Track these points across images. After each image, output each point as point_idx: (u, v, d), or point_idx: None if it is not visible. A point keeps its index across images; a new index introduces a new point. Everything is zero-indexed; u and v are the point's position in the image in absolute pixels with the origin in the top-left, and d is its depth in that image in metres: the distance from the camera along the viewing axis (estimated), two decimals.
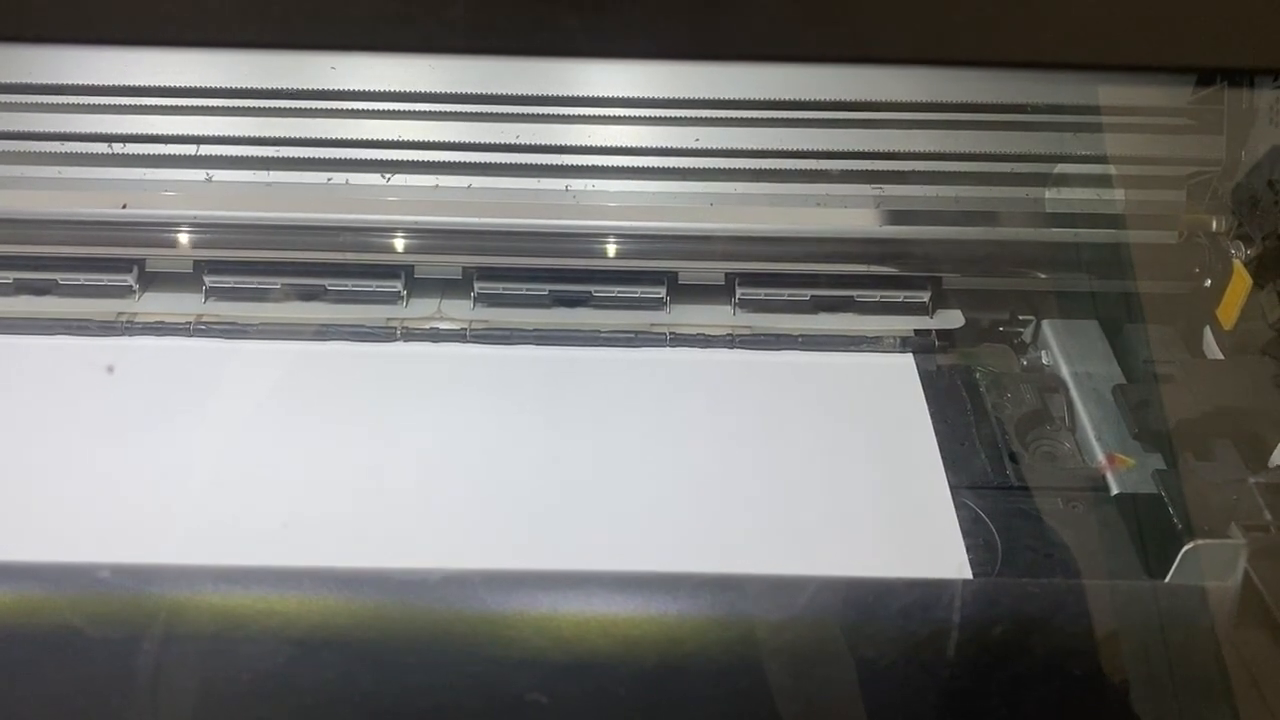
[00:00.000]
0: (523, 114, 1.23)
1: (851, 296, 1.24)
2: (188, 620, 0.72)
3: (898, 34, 0.54)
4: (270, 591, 0.74)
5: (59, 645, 0.70)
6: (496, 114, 1.23)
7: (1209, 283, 1.21)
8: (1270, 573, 0.73)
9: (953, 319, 1.23)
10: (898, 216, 1.23)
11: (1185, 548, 0.83)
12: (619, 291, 1.23)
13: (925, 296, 1.23)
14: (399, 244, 1.22)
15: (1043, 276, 1.25)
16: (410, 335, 1.20)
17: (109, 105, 1.23)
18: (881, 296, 1.24)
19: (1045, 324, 1.26)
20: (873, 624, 0.75)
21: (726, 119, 1.24)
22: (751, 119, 1.24)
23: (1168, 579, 0.82)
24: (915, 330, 1.22)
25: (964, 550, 0.94)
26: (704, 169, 1.23)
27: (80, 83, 1.22)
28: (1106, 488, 1.04)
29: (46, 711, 0.69)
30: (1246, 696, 0.71)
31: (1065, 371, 1.19)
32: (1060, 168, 1.23)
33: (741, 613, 0.74)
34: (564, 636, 0.71)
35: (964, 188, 1.23)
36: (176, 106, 1.22)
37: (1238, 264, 1.16)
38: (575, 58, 0.51)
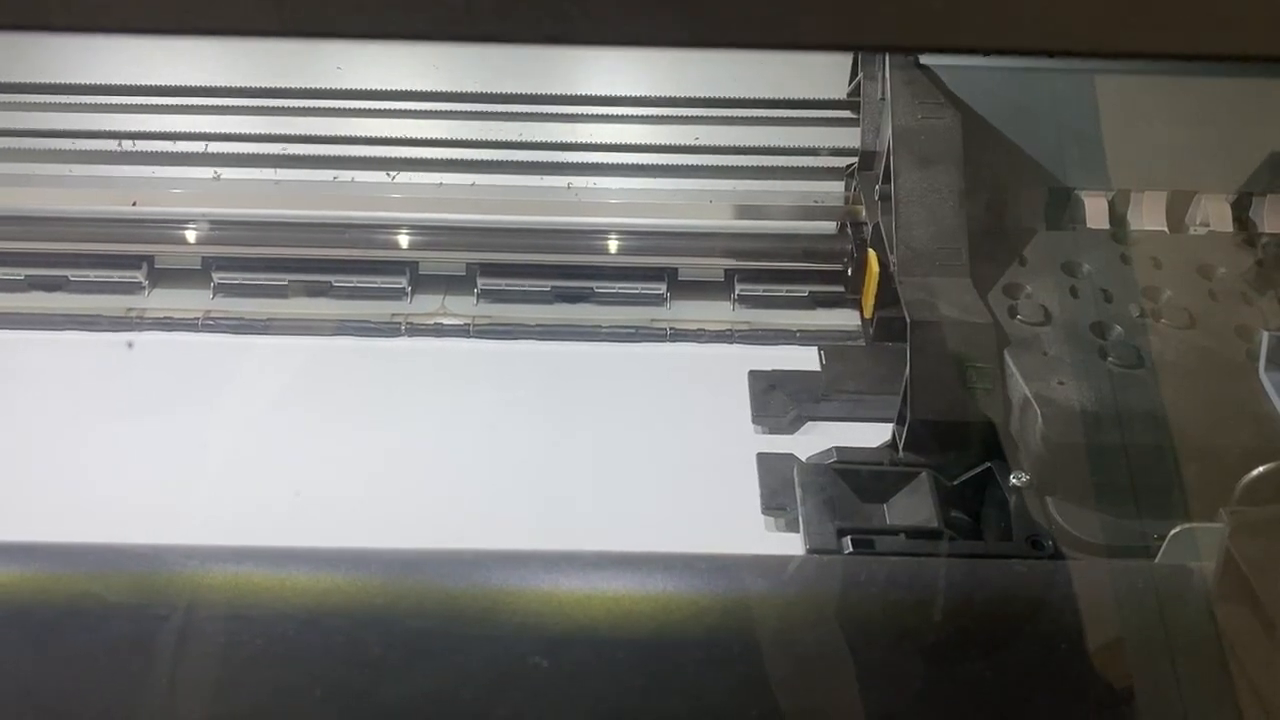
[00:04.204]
0: (525, 113, 1.25)
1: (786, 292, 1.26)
2: (204, 597, 0.75)
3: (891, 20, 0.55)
4: (283, 569, 0.76)
5: (86, 619, 0.73)
6: (499, 113, 1.25)
7: (850, 271, 1.23)
8: (1251, 551, 0.75)
9: None
10: None
11: (1173, 531, 0.84)
12: (620, 287, 1.25)
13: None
14: (404, 241, 1.24)
15: None
16: (414, 330, 1.22)
17: (119, 104, 1.25)
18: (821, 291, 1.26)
19: None
20: (858, 601, 0.77)
21: (726, 118, 1.27)
22: (751, 118, 1.26)
23: (1157, 560, 0.84)
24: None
25: None
26: (704, 166, 1.25)
27: (91, 81, 1.24)
28: None
29: (76, 679, 0.71)
30: (1229, 668, 0.73)
31: None
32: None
33: (729, 589, 0.77)
34: (564, 610, 0.74)
35: None
36: (185, 105, 1.25)
37: (872, 253, 1.17)
38: (578, 45, 0.52)
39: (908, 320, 1.00)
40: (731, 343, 1.21)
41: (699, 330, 1.22)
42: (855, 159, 1.24)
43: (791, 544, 0.95)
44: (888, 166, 1.11)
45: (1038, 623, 0.79)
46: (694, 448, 1.07)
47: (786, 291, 1.25)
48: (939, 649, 0.76)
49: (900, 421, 1.00)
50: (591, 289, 1.24)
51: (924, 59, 1.11)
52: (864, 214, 1.21)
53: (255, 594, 0.75)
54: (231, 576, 0.76)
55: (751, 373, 1.14)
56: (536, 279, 1.24)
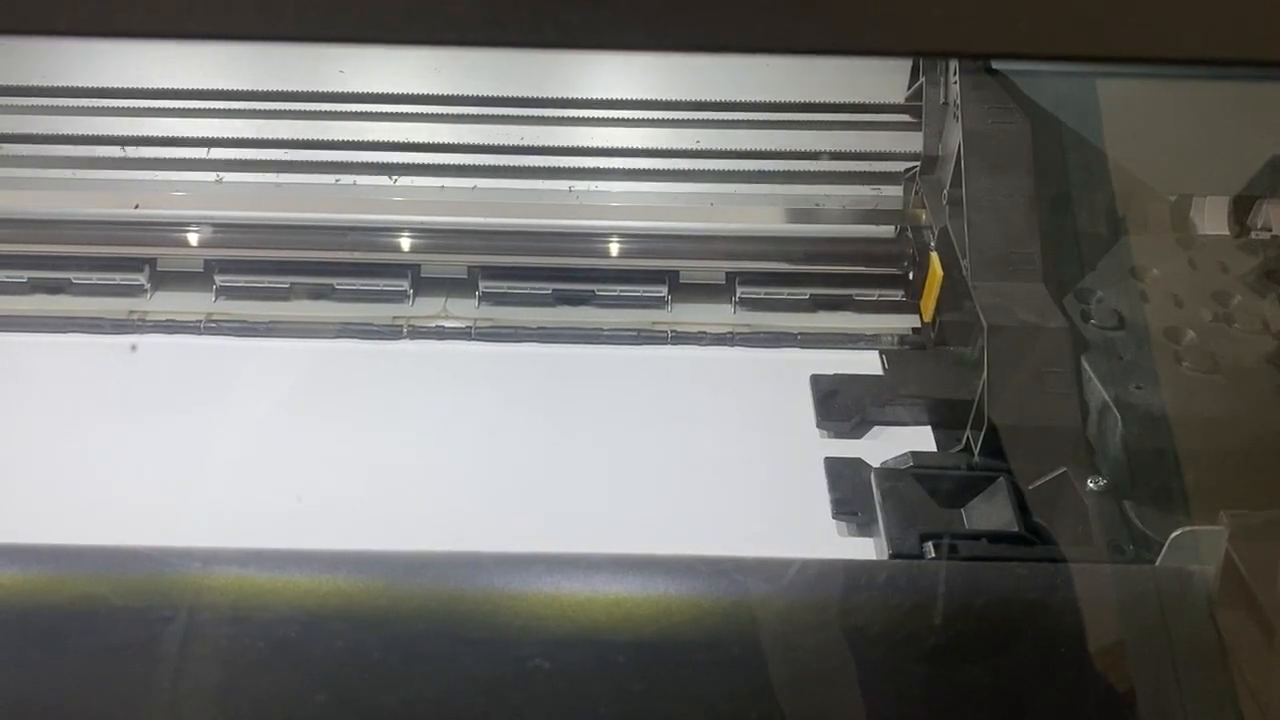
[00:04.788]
0: (526, 116, 1.26)
1: (850, 295, 1.26)
2: (207, 599, 0.75)
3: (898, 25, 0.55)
4: (285, 572, 0.76)
5: (89, 621, 0.73)
6: (501, 116, 1.26)
7: (912, 275, 1.23)
8: (1251, 554, 0.75)
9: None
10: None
11: (1174, 534, 0.84)
12: (621, 290, 1.25)
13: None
14: (405, 244, 1.24)
15: None
16: (416, 333, 1.22)
17: (122, 108, 1.25)
18: (879, 295, 1.26)
19: None
20: (856, 604, 0.77)
21: (727, 121, 1.27)
22: (752, 121, 1.27)
23: (1158, 563, 0.84)
24: (913, 328, 1.24)
25: None
26: (705, 170, 1.25)
27: (94, 85, 1.25)
28: None
29: (79, 681, 0.72)
30: (1230, 671, 0.73)
31: None
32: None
33: (730, 591, 0.77)
34: (566, 612, 0.74)
35: None
36: (188, 109, 1.25)
37: (934, 257, 1.17)
38: (578, 50, 0.53)
39: (984, 325, 1.00)
40: (732, 345, 1.21)
41: (700, 333, 1.22)
42: (916, 163, 1.25)
43: (864, 549, 0.96)
44: (957, 171, 1.12)
45: (1054, 624, 0.79)
46: (696, 449, 1.07)
47: (787, 294, 1.25)
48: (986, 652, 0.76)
49: (975, 426, 1.01)
50: (592, 291, 1.25)
51: (995, 63, 1.12)
52: (924, 218, 1.21)
53: (258, 596, 0.76)
54: (234, 579, 0.77)
55: (814, 377, 1.14)
56: (538, 281, 1.24)
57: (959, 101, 1.14)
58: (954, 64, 1.15)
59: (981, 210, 1.09)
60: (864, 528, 0.98)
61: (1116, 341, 1.03)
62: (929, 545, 0.91)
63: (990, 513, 0.95)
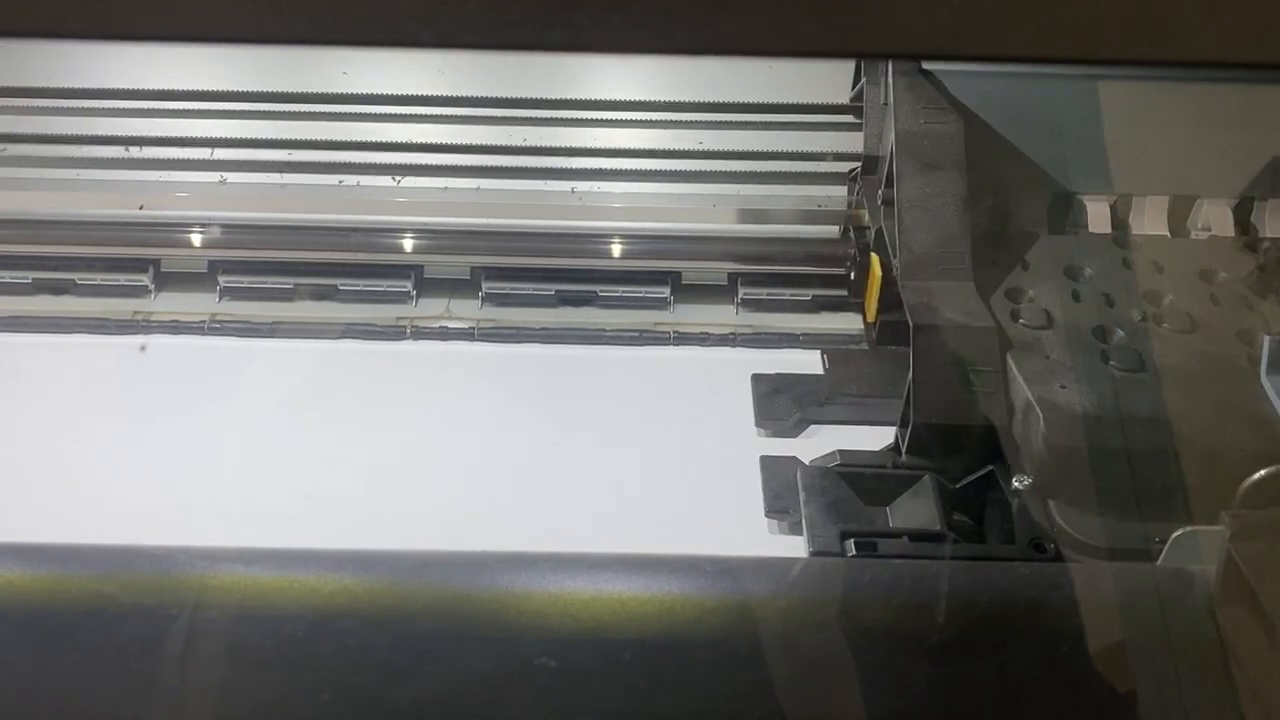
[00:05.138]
0: (530, 117, 1.26)
1: (848, 297, 1.26)
2: (213, 598, 0.75)
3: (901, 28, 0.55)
4: (291, 571, 0.77)
5: (97, 619, 0.74)
6: (504, 117, 1.26)
7: (853, 275, 1.23)
8: (1252, 554, 0.76)
9: None
10: None
11: (1175, 534, 0.85)
12: (623, 291, 1.25)
13: None
14: (408, 244, 1.24)
15: None
16: (419, 334, 1.22)
17: (126, 109, 1.26)
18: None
19: None
20: (861, 603, 0.77)
21: (729, 122, 1.27)
22: (754, 122, 1.27)
23: (1158, 563, 0.85)
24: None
25: None
26: (707, 171, 1.26)
27: (98, 86, 1.25)
28: None
29: (87, 679, 0.72)
30: (1230, 671, 0.74)
31: None
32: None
33: (734, 590, 0.77)
34: (571, 611, 0.75)
35: None
36: (191, 110, 1.25)
37: (874, 257, 1.17)
38: (586, 53, 0.53)
39: (911, 324, 1.00)
40: (735, 346, 1.22)
41: (703, 334, 1.22)
42: (858, 163, 1.24)
43: (795, 547, 0.96)
44: (890, 171, 1.12)
45: (1039, 625, 0.80)
46: (697, 451, 1.08)
47: (790, 295, 1.25)
48: (941, 651, 0.77)
49: (903, 424, 1.01)
50: (595, 293, 1.25)
51: (927, 64, 1.11)
52: (866, 218, 1.21)
53: (264, 595, 0.76)
54: (240, 578, 0.77)
55: (755, 376, 1.15)
56: (541, 283, 1.25)
57: (892, 102, 1.14)
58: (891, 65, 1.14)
59: (912, 210, 1.08)
60: (795, 526, 0.98)
61: (1044, 340, 1.03)
62: (849, 543, 0.91)
63: (915, 511, 0.96)
